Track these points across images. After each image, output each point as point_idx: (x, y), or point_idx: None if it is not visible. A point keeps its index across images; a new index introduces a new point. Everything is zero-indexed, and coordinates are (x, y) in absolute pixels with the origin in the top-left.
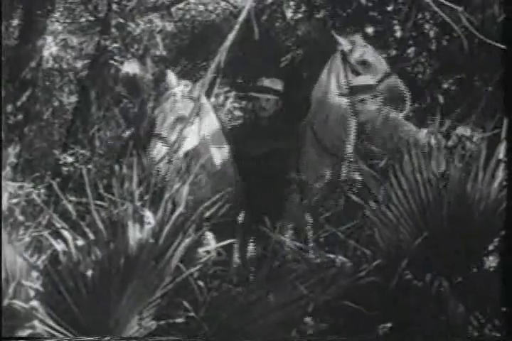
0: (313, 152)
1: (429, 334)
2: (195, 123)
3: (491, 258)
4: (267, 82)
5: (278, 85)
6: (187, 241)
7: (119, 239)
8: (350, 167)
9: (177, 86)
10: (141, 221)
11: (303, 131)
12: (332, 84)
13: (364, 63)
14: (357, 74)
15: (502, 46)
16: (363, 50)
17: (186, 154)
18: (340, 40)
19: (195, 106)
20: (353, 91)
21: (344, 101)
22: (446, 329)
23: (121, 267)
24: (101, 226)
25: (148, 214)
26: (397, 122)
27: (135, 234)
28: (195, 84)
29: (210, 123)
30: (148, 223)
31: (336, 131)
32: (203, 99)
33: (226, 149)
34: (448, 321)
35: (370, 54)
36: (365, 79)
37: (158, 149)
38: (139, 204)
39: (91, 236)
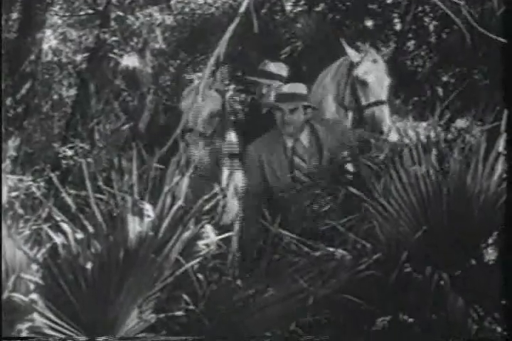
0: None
1: (428, 326)
2: None
3: (490, 251)
4: (271, 67)
5: (283, 70)
6: (186, 234)
7: (119, 232)
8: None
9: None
10: (140, 214)
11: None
12: (333, 89)
13: (363, 83)
14: (352, 89)
15: (502, 40)
16: (369, 67)
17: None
18: (349, 51)
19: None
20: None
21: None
22: (445, 322)
23: (121, 260)
24: (100, 219)
25: (147, 207)
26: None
27: (135, 227)
28: (216, 77)
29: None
30: (148, 216)
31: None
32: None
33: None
34: (447, 314)
35: (374, 74)
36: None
37: (197, 144)
38: (137, 197)
39: (90, 229)
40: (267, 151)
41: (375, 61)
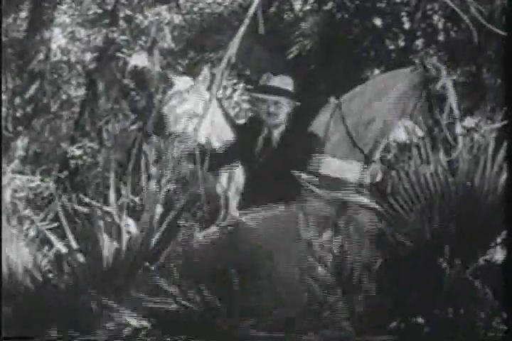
0: (345, 145)
1: (437, 326)
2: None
3: (498, 250)
4: (275, 81)
5: (288, 84)
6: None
7: (96, 249)
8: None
9: (179, 83)
10: (119, 230)
11: (334, 122)
12: (403, 101)
13: (442, 100)
14: (429, 105)
15: (502, 33)
16: (446, 84)
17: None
18: (428, 66)
19: (205, 101)
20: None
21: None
22: (453, 321)
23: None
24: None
25: (129, 222)
26: None
27: (111, 244)
28: (197, 79)
29: (216, 119)
30: (128, 232)
31: (374, 137)
32: (207, 94)
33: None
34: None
35: (451, 91)
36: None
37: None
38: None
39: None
40: None
41: (447, 77)
